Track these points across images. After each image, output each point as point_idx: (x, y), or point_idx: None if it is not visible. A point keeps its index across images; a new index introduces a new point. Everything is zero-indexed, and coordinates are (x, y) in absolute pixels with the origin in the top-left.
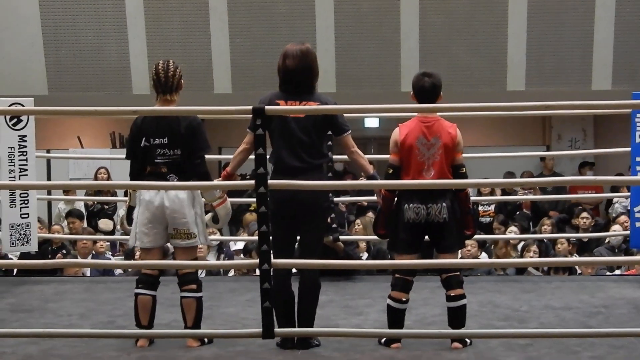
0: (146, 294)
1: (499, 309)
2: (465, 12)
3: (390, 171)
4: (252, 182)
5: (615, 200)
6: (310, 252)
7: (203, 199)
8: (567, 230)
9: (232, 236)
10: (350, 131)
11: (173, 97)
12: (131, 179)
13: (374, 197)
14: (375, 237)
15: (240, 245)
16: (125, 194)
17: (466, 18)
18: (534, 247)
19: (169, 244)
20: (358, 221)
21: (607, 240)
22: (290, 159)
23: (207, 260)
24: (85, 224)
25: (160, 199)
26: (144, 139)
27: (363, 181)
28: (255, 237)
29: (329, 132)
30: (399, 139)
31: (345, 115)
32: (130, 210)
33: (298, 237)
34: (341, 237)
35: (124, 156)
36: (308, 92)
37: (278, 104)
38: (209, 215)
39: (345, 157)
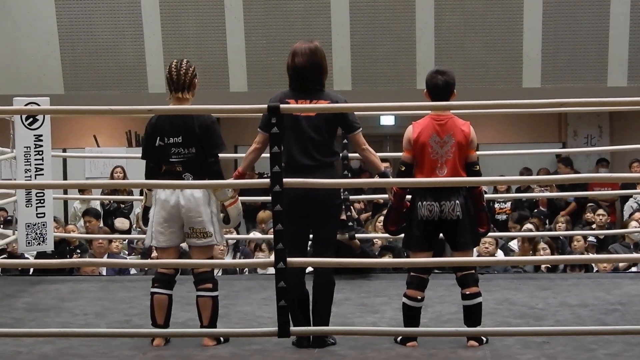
0: (162, 293)
1: (515, 306)
2: (481, 9)
3: (403, 168)
4: (266, 180)
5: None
6: (324, 250)
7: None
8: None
9: (247, 234)
10: (361, 128)
11: (185, 95)
12: (147, 179)
13: (387, 195)
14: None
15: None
16: (141, 194)
17: (481, 15)
18: (542, 245)
19: (183, 244)
20: (381, 219)
21: (621, 237)
22: (302, 157)
23: (223, 258)
24: (101, 223)
25: (175, 198)
26: (158, 138)
27: (375, 179)
28: (271, 235)
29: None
30: (412, 136)
31: (360, 113)
32: (146, 210)
33: (311, 235)
34: (357, 235)
35: (139, 155)
36: (318, 90)
37: (288, 103)
38: (220, 215)
39: None
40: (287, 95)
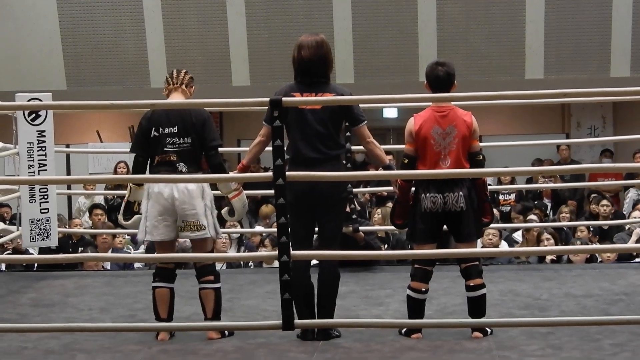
0: (163, 287)
1: (519, 297)
2: (483, 0)
3: (406, 161)
4: (269, 174)
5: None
6: (330, 243)
7: (215, 192)
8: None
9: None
10: (365, 121)
11: (182, 87)
12: (134, 173)
13: (392, 188)
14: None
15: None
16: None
17: (484, 6)
18: (546, 235)
19: (182, 239)
20: (378, 211)
21: (627, 227)
22: (307, 150)
23: (227, 252)
24: (106, 218)
25: (169, 191)
26: (153, 129)
27: (379, 171)
28: (274, 229)
29: (346, 123)
30: (414, 129)
31: (363, 105)
32: (128, 205)
33: (316, 228)
34: (361, 227)
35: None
36: (323, 83)
37: (294, 96)
38: (225, 208)
39: None
40: (293, 88)
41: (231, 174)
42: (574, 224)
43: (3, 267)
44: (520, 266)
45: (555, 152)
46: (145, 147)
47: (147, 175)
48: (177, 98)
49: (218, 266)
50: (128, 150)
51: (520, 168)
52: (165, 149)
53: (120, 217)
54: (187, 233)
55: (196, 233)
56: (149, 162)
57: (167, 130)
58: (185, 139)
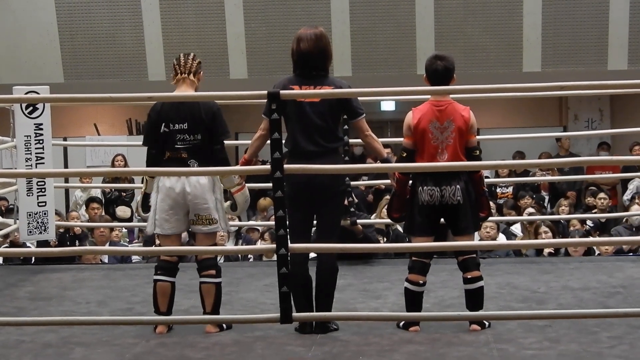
0: (165, 281)
1: (517, 290)
2: None
3: (404, 154)
4: (267, 167)
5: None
6: (328, 236)
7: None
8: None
9: (249, 221)
10: (364, 115)
11: (191, 77)
12: (148, 166)
13: (389, 181)
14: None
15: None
16: (142, 181)
17: None
18: (544, 228)
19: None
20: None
21: (624, 220)
22: (306, 143)
23: (225, 245)
24: (102, 212)
25: (181, 185)
26: (163, 124)
27: (377, 164)
28: (272, 222)
29: (345, 116)
30: (412, 122)
31: (361, 98)
32: (145, 197)
33: (315, 221)
34: (359, 220)
35: (140, 143)
36: (322, 76)
37: (292, 89)
38: (227, 202)
39: None
40: (292, 81)
41: (231, 167)
42: (573, 217)
43: (0, 260)
44: (518, 259)
45: (553, 145)
46: (156, 141)
47: (147, 169)
48: (185, 90)
49: None
50: (126, 143)
51: (518, 162)
52: (176, 145)
53: (139, 210)
54: (199, 227)
55: (208, 227)
56: (159, 156)
57: (177, 127)
58: (196, 135)
